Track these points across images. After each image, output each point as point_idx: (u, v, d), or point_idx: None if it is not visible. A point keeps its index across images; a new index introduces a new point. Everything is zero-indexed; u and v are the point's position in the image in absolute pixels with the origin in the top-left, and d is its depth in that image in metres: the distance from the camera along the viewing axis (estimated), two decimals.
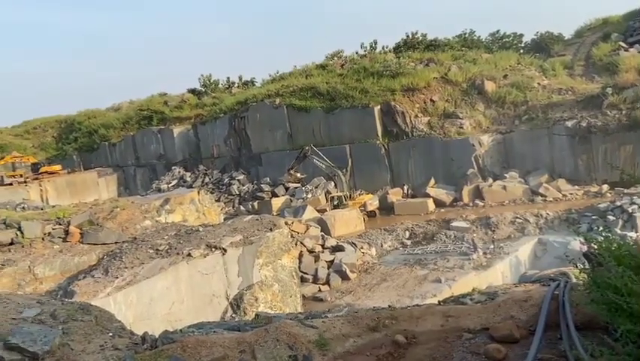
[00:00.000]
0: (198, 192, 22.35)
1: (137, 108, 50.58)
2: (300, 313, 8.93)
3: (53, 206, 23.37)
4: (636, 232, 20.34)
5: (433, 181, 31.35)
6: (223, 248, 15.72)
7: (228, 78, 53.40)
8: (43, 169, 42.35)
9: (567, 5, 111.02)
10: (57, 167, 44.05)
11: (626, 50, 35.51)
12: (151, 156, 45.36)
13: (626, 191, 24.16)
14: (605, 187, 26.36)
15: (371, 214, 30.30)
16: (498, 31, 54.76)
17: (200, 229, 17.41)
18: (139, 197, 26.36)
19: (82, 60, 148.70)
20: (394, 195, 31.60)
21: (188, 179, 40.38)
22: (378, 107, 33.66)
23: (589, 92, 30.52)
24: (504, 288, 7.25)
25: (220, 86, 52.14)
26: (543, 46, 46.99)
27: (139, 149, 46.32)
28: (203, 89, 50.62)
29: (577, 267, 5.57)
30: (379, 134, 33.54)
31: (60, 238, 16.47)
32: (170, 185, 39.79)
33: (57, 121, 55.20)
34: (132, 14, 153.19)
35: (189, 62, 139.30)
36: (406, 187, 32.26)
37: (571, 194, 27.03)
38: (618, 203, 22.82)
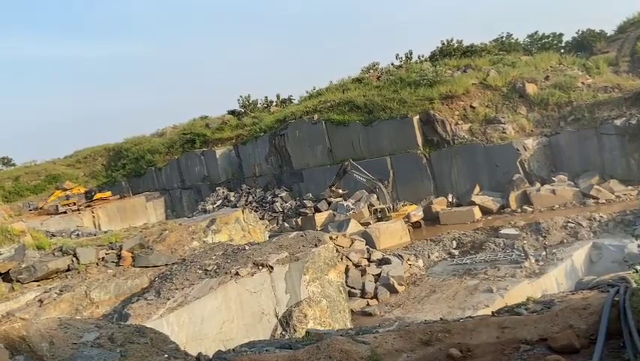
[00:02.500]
0: (243, 211, 22.67)
1: (180, 132, 52.13)
2: (350, 328, 8.88)
3: (105, 232, 24.29)
4: None
5: (477, 188, 30.70)
6: (270, 266, 15.85)
7: (266, 97, 54.47)
8: (96, 196, 44.25)
9: (607, 1, 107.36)
10: (108, 193, 45.95)
11: None
12: (195, 178, 46.56)
13: None
14: None
15: (416, 225, 29.91)
16: (536, 32, 53.42)
17: (247, 248, 17.62)
18: (186, 219, 26.99)
19: (124, 89, 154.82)
20: (439, 205, 31.11)
21: (232, 198, 41.12)
22: (417, 116, 33.40)
23: (637, 89, 29.42)
24: (560, 296, 7.00)
25: (259, 105, 53.16)
26: (585, 44, 45.51)
27: (184, 172, 47.63)
28: (243, 110, 51.73)
29: (637, 271, 5.32)
30: (420, 143, 33.22)
31: (113, 262, 17.04)
32: (215, 205, 40.61)
33: (106, 149, 57.56)
34: (166, 42, 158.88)
35: (228, 84, 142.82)
36: (450, 196, 31.71)
37: (624, 195, 25.92)
38: None
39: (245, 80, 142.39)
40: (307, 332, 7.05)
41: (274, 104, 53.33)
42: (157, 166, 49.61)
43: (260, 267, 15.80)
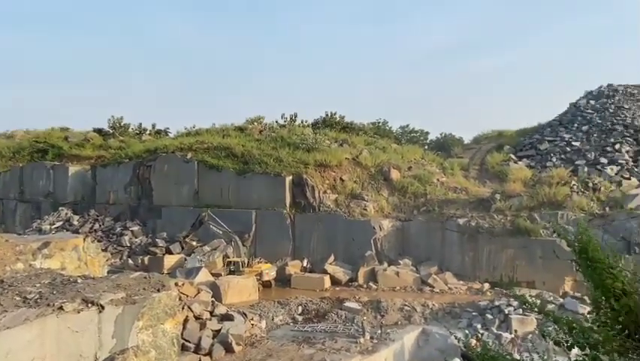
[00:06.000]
0: (84, 240, 20.70)
1: (33, 139, 47.19)
2: None
3: None
4: (510, 333, 21.64)
5: (332, 258, 31.67)
6: (101, 305, 14.45)
7: (140, 124, 52.00)
8: None
9: (470, 114, 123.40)
10: None
11: (515, 162, 39.60)
12: (38, 192, 41.87)
13: (504, 291, 25.81)
14: (487, 286, 28.04)
15: (266, 284, 29.70)
16: (407, 126, 59.32)
17: (79, 281, 16.00)
18: (15, 236, 23.88)
19: None
20: (293, 268, 31.39)
21: (76, 223, 37.45)
22: (290, 177, 34.10)
23: (480, 195, 33.12)
24: None
25: (130, 130, 50.46)
26: (445, 146, 51.27)
27: (26, 182, 42.66)
28: (111, 131, 48.63)
29: None
30: (287, 204, 33.71)
31: None
32: (53, 226, 36.61)
33: None
34: (50, 36, 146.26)
35: (100, 102, 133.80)
36: (305, 261, 32.22)
37: (456, 288, 28.34)
38: (497, 303, 24.25)
39: (120, 100, 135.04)
40: None
41: (147, 132, 51.02)
42: None
43: (89, 305, 14.32)
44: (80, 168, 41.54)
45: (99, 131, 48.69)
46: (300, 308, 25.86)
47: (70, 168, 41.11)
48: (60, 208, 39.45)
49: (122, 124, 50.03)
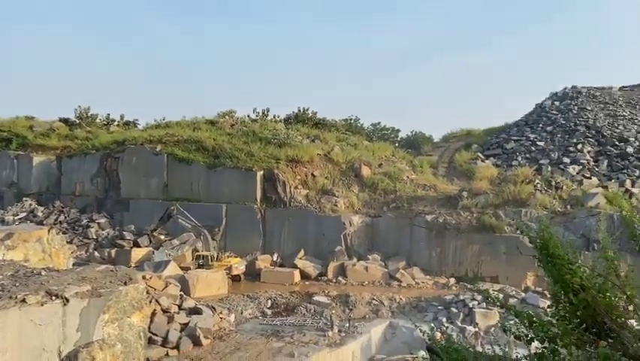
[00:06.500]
0: (49, 231, 20.22)
1: None
2: None
3: None
4: (474, 326, 22.22)
5: (302, 253, 31.80)
6: (65, 297, 14.15)
7: (108, 115, 50.95)
8: None
9: (440, 112, 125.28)
10: None
11: (482, 161, 40.47)
12: (1, 182, 40.81)
13: (469, 286, 26.45)
14: (452, 280, 28.68)
15: (236, 278, 29.64)
16: (379, 123, 59.84)
17: (43, 273, 15.64)
18: None
19: None
20: (263, 262, 31.39)
21: (40, 214, 36.49)
22: (261, 172, 34.01)
23: (448, 192, 33.75)
24: None
25: (98, 120, 49.39)
26: (415, 144, 51.99)
27: None
28: (78, 121, 47.49)
29: (416, 357, 5.87)
30: (258, 198, 33.64)
31: None
32: (17, 217, 35.58)
33: None
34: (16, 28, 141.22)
35: (66, 91, 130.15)
36: (275, 255, 32.27)
37: (423, 282, 28.91)
38: (462, 297, 24.86)
39: (88, 90, 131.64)
40: None
41: (115, 123, 50.03)
42: None
43: (53, 297, 14.01)
44: (45, 158, 40.47)
45: (65, 121, 47.53)
46: (269, 302, 25.91)
47: (35, 158, 40.05)
48: (24, 199, 38.41)
49: (89, 114, 48.96)
